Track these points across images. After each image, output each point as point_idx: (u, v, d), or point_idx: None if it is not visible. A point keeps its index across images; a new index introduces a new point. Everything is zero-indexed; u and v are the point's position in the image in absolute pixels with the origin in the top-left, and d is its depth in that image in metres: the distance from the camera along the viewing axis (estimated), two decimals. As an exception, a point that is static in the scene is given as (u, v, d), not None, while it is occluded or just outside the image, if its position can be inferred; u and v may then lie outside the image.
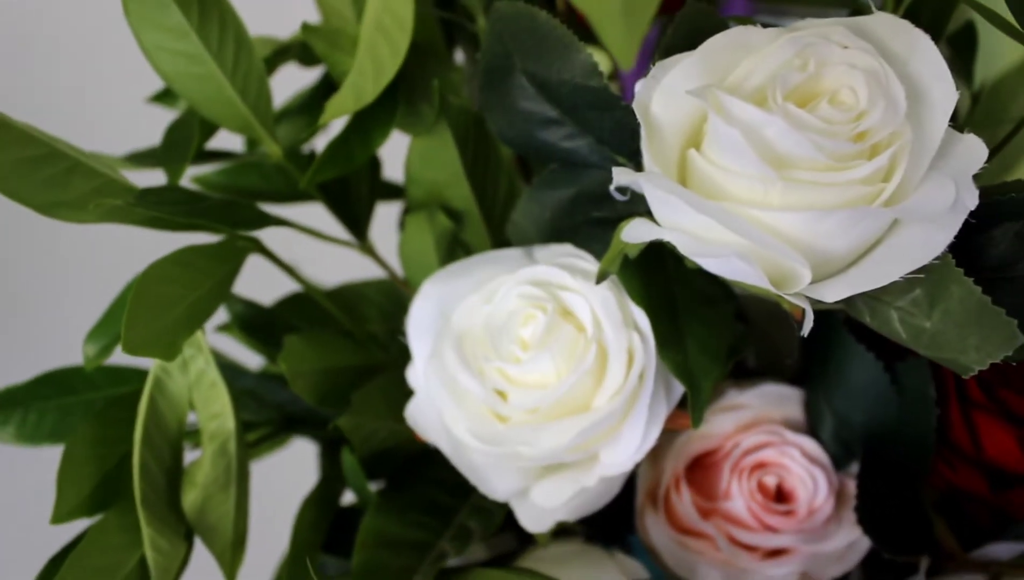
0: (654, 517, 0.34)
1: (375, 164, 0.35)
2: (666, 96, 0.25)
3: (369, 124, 0.31)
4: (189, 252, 0.30)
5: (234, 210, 0.31)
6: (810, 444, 0.33)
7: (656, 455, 0.34)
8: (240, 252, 0.32)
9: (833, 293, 0.24)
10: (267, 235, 0.34)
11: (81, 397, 0.33)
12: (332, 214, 0.35)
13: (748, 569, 0.33)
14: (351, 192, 0.34)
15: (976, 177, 0.24)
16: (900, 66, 0.25)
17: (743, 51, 0.25)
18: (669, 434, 0.33)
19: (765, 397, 0.34)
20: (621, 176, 0.25)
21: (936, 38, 0.32)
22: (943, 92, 0.24)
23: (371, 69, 0.30)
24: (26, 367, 0.35)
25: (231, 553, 0.31)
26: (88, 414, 0.32)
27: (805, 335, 0.24)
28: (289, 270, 0.34)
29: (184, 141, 0.33)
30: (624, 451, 0.29)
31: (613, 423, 0.29)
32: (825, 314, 0.33)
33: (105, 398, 0.33)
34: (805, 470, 0.33)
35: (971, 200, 0.24)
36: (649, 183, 0.24)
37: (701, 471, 0.34)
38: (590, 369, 0.28)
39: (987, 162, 0.24)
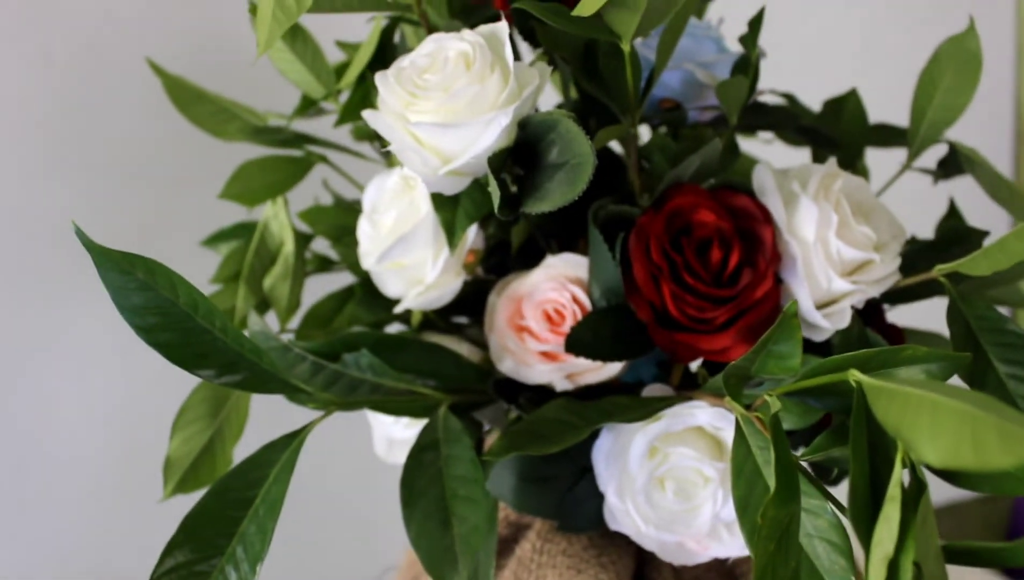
0: (490, 331, 0.55)
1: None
2: (383, 85, 0.48)
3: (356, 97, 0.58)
4: (273, 157, 0.60)
5: (307, 140, 0.61)
6: (580, 293, 0.52)
7: (500, 295, 0.55)
8: (309, 162, 0.61)
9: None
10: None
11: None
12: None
13: (530, 363, 0.53)
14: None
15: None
16: (499, 46, 0.45)
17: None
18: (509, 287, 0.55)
19: (566, 262, 0.53)
20: (368, 117, 0.49)
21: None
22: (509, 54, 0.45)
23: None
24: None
25: (286, 313, 0.60)
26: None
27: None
28: (345, 175, 0.62)
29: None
30: (433, 272, 0.52)
31: (427, 266, 0.52)
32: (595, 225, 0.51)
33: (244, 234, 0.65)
34: (574, 307, 0.52)
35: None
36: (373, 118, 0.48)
37: (521, 302, 0.54)
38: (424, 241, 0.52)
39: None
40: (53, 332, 0.82)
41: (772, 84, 0.67)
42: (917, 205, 0.72)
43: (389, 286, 0.55)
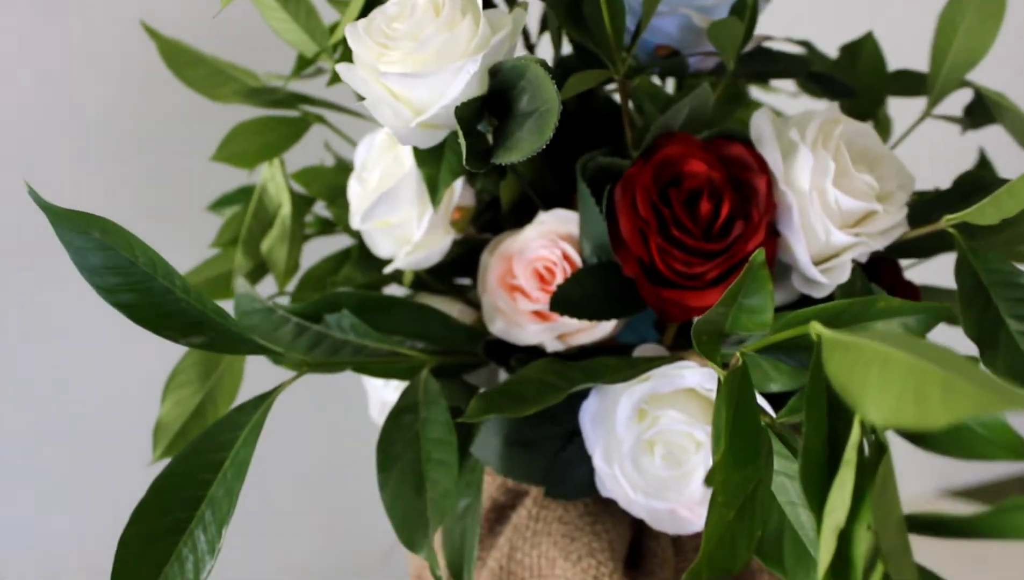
0: (483, 291, 0.53)
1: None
2: (354, 37, 0.46)
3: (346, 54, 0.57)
4: (267, 118, 0.59)
5: (302, 99, 0.59)
6: (571, 250, 0.50)
7: (492, 253, 0.53)
8: (306, 122, 0.59)
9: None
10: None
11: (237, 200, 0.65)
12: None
13: (521, 324, 0.51)
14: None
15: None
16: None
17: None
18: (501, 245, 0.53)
19: (558, 218, 0.51)
20: (341, 72, 0.47)
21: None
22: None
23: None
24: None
25: (284, 276, 0.59)
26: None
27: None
28: (342, 135, 0.61)
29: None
30: (419, 230, 0.51)
31: (413, 224, 0.51)
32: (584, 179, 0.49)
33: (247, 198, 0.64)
34: (565, 265, 0.50)
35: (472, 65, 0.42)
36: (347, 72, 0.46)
37: (512, 260, 0.53)
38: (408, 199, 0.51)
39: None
40: (67, 309, 0.83)
41: (789, 32, 0.63)
42: (949, 157, 0.68)
43: (380, 246, 0.54)
